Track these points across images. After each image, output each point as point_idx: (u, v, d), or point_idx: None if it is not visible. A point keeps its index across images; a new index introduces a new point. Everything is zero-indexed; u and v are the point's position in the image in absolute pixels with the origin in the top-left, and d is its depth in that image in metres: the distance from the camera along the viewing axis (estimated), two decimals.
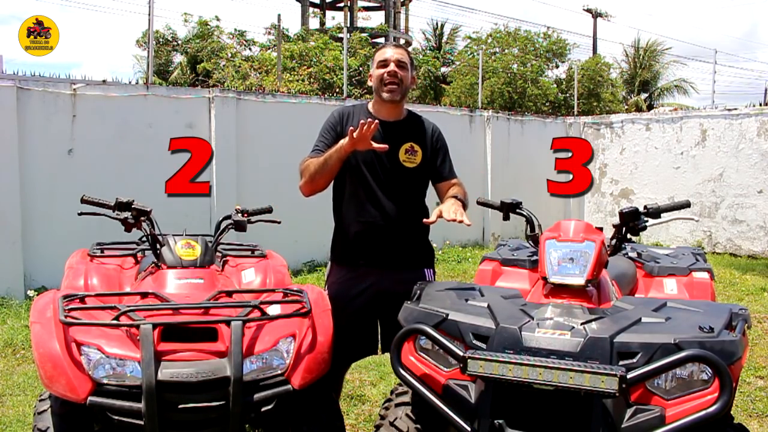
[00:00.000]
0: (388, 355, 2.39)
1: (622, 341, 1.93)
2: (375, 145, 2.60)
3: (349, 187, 2.87)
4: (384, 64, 2.80)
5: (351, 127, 2.58)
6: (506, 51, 17.74)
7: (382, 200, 2.81)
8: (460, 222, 2.45)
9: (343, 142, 2.63)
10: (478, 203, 3.29)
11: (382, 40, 21.52)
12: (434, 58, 19.96)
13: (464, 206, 2.71)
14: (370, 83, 2.89)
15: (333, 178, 2.81)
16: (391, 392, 2.47)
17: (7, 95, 6.38)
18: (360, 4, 23.94)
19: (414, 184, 2.90)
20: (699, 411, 1.84)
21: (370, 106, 2.93)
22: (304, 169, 2.81)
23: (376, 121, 2.59)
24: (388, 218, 2.80)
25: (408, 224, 2.84)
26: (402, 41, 22.67)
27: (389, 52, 2.82)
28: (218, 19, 17.18)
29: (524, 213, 2.94)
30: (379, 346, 2.96)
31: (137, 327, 2.14)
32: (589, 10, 26.14)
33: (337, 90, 13.73)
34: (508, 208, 2.98)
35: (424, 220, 2.63)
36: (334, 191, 2.96)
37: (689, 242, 10.52)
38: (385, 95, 2.79)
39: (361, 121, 2.55)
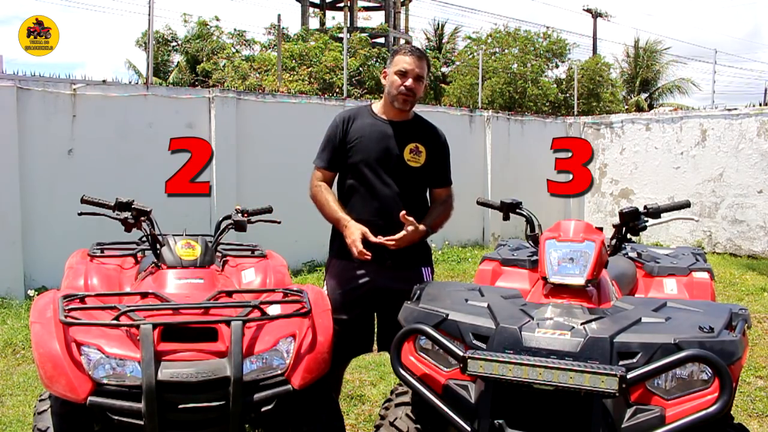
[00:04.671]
0: (388, 355, 2.39)
1: (622, 341, 1.93)
2: (365, 246, 2.67)
3: (353, 184, 2.88)
4: (403, 74, 2.80)
5: (355, 246, 2.67)
6: (506, 51, 17.75)
7: (384, 198, 2.82)
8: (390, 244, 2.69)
9: (349, 230, 2.72)
10: (478, 203, 3.29)
11: (382, 40, 21.52)
12: (434, 58, 19.95)
13: (435, 227, 2.88)
14: (383, 80, 2.90)
15: None
16: (391, 392, 2.47)
17: (7, 95, 6.37)
18: (360, 4, 23.90)
19: (417, 183, 2.92)
20: (699, 411, 1.84)
21: (375, 107, 2.96)
22: (314, 191, 2.93)
23: (367, 256, 2.66)
24: (390, 217, 2.78)
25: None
26: (402, 41, 22.65)
27: (411, 64, 2.80)
28: (218, 19, 17.21)
29: (524, 213, 2.94)
30: (375, 343, 2.96)
31: (137, 327, 2.14)
32: (589, 10, 26.12)
33: (337, 90, 13.72)
34: (508, 208, 2.99)
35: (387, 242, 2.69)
36: (338, 186, 2.96)
37: (689, 242, 10.51)
38: (397, 105, 2.85)
39: (358, 251, 2.66)
